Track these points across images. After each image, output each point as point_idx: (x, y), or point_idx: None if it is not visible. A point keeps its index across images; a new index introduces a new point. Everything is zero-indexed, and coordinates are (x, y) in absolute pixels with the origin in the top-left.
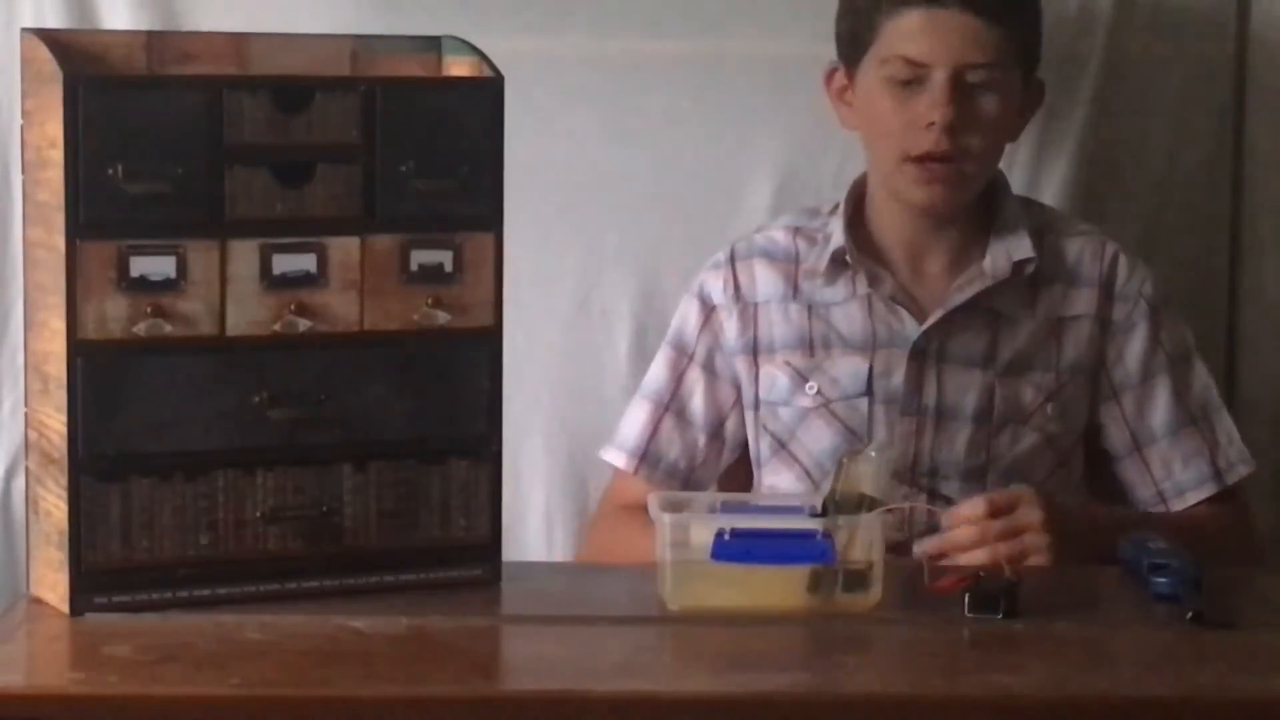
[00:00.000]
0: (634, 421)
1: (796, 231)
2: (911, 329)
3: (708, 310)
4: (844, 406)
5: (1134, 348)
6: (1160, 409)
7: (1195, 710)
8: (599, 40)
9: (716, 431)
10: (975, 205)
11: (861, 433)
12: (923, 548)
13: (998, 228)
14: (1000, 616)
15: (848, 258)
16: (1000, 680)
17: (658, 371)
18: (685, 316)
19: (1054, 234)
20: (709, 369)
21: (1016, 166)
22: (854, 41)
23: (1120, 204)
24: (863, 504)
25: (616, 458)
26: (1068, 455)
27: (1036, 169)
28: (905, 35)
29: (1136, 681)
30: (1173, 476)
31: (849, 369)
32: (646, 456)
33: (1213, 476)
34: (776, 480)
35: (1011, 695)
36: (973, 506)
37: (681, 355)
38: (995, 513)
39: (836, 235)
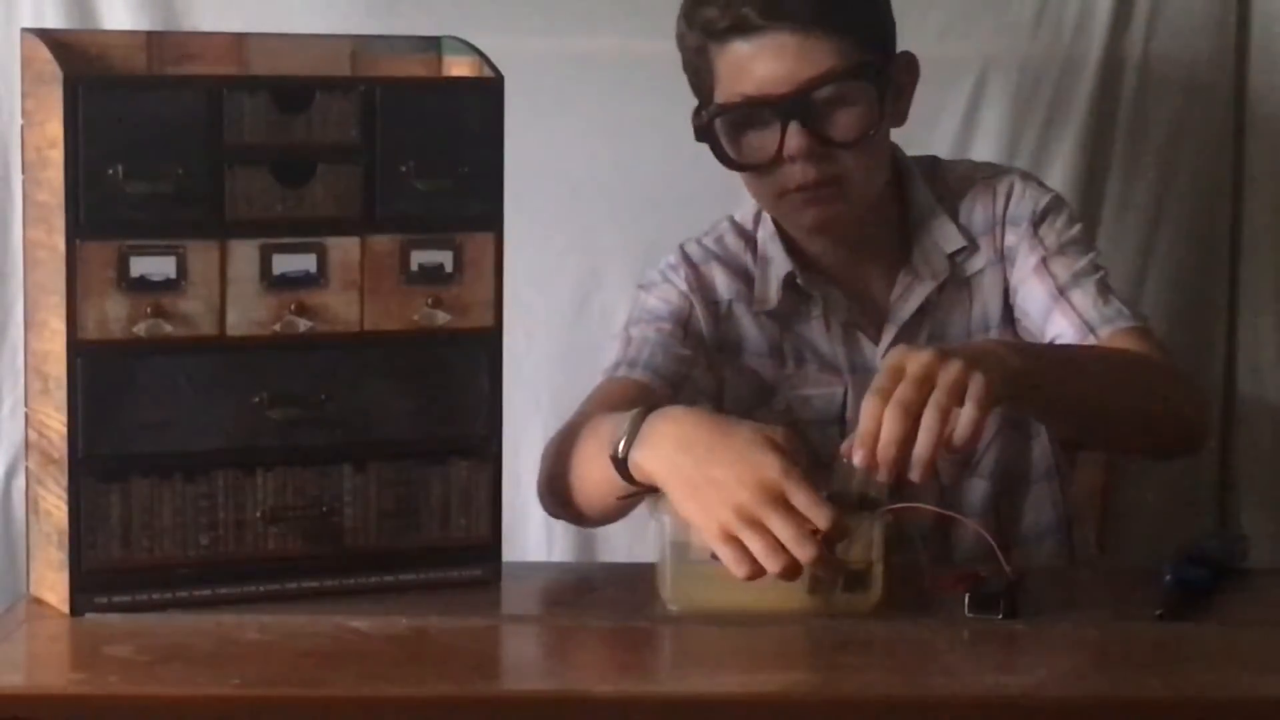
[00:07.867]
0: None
1: (745, 240)
2: (870, 353)
3: (681, 295)
4: (815, 430)
5: (1022, 264)
6: (1035, 299)
7: (1195, 710)
8: (598, 40)
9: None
10: (882, 194)
11: (827, 461)
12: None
13: (915, 216)
14: (1000, 616)
15: (799, 281)
16: (1000, 680)
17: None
18: (663, 297)
19: (954, 199)
20: (701, 344)
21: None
22: (699, 85)
23: (1119, 204)
24: (863, 504)
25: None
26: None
27: (1034, 169)
28: (736, 71)
29: (1136, 681)
30: None
31: (823, 391)
32: (640, 362)
33: (1085, 335)
34: None
35: (1011, 695)
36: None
37: (676, 325)
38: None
39: (779, 259)
